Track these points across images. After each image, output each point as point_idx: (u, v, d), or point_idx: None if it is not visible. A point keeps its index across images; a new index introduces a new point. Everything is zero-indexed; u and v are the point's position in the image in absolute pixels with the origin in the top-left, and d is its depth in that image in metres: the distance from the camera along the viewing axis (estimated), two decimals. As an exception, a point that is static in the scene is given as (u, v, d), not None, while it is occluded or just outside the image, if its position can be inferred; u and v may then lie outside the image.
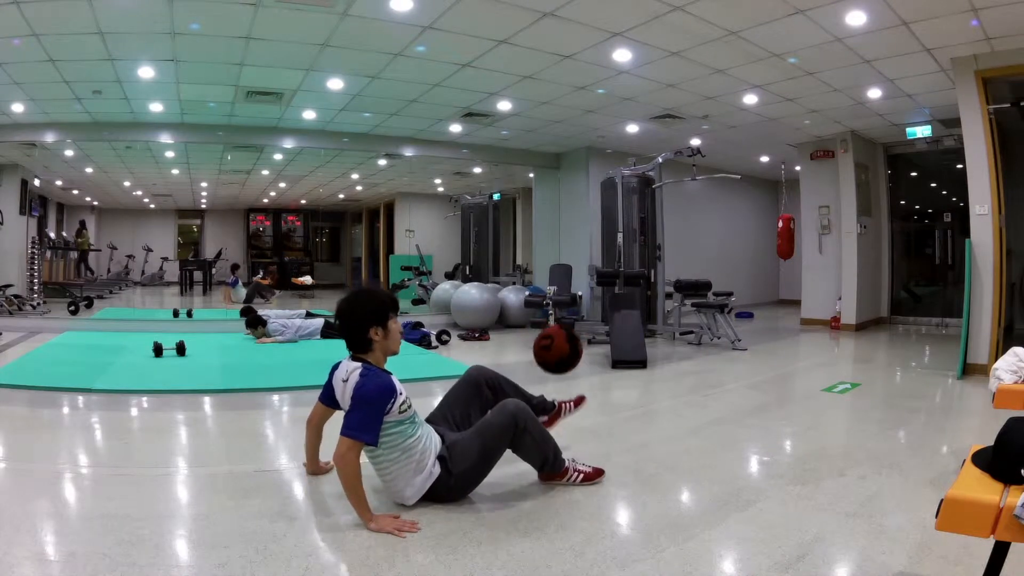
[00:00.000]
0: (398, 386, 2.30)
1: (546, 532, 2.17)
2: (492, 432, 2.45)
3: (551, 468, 2.61)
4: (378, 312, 2.35)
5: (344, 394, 2.32)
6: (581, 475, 2.66)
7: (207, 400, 4.27)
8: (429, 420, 2.60)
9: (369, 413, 2.20)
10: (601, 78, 6.16)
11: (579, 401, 3.13)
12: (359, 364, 2.33)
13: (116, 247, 13.89)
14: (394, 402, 2.24)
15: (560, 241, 9.92)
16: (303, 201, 14.62)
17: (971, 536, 1.60)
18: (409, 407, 2.32)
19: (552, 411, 3.01)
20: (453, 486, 2.39)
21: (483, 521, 2.28)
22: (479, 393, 2.77)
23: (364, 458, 2.28)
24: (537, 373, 3.59)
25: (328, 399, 2.50)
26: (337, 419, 2.45)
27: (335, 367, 2.46)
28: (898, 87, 6.30)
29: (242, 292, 11.27)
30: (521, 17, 4.71)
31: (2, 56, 5.30)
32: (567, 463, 2.64)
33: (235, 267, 12.41)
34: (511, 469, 2.74)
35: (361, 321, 2.33)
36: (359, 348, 2.37)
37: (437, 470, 2.35)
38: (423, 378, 4.88)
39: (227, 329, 7.59)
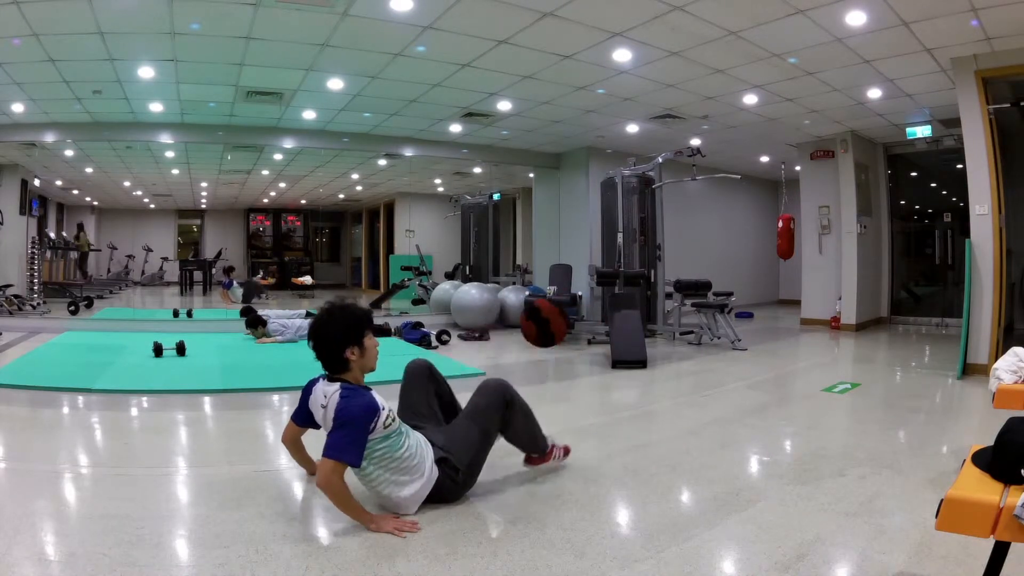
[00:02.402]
0: (380, 402, 2.24)
1: (546, 532, 2.17)
2: (485, 412, 2.50)
3: (538, 450, 2.72)
4: (352, 331, 2.27)
5: (325, 418, 2.25)
6: (562, 451, 2.80)
7: (207, 400, 4.27)
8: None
9: (351, 433, 2.14)
10: (601, 78, 6.16)
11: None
12: (337, 385, 2.25)
13: (116, 247, 13.88)
14: (378, 420, 2.18)
15: (560, 241, 9.92)
16: (303, 201, 14.62)
17: (971, 536, 1.60)
18: (393, 420, 2.27)
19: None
20: (462, 480, 2.40)
21: (483, 521, 2.28)
22: (433, 379, 2.70)
23: (353, 477, 2.24)
24: (538, 372, 3.58)
25: (303, 420, 2.43)
26: (318, 433, 2.38)
27: (309, 388, 2.38)
28: (898, 87, 6.31)
29: (239, 292, 11.29)
30: (521, 17, 4.71)
31: (2, 56, 5.30)
32: (549, 442, 2.75)
33: (230, 269, 12.41)
34: (512, 469, 2.74)
35: (336, 343, 2.25)
36: (335, 369, 2.30)
37: (435, 473, 2.33)
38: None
39: (227, 329, 7.59)
